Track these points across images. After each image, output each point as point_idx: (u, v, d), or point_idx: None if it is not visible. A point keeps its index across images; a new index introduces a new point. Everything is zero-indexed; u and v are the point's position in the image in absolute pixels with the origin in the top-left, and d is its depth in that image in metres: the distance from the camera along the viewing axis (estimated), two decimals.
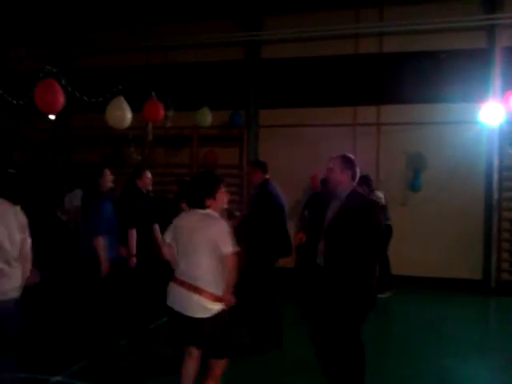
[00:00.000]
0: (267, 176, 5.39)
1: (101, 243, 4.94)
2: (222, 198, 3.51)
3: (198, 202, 3.43)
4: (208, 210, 3.42)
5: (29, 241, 3.53)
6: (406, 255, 8.28)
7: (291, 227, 8.18)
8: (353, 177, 3.69)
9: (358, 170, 3.73)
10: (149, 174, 5.67)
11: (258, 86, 9.41)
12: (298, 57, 9.14)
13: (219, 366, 3.47)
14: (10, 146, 10.25)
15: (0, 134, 10.35)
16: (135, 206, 5.43)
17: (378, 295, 7.22)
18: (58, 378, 4.43)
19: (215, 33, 9.00)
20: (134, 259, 5.26)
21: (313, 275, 3.96)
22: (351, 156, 3.79)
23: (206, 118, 8.74)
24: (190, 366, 3.57)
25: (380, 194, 7.67)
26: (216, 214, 3.45)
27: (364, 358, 3.65)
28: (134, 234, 5.26)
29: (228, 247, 3.30)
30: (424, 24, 8.11)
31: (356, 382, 3.63)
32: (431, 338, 5.81)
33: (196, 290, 3.29)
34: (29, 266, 3.53)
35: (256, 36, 9.11)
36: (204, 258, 3.32)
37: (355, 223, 3.48)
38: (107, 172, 5.32)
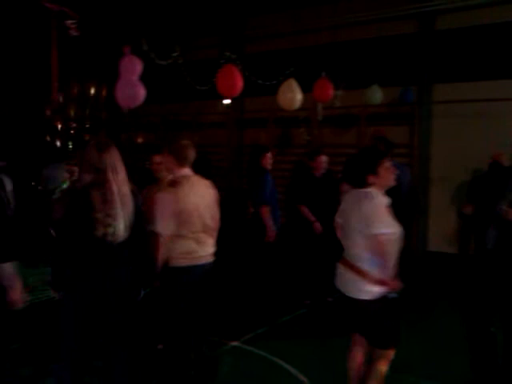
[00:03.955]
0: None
1: (266, 211, 5.56)
2: (387, 174, 3.24)
3: (359, 179, 3.25)
4: (370, 189, 3.22)
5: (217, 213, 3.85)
6: None
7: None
8: None
9: None
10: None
11: (432, 60, 8.81)
12: (479, 25, 8.29)
13: (383, 358, 3.26)
14: (191, 130, 11.20)
15: (182, 119, 11.39)
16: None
17: None
18: (236, 344, 4.75)
19: (386, 7, 8.64)
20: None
21: (480, 259, 3.73)
22: None
23: (376, 95, 8.49)
24: (356, 354, 3.44)
25: None
26: (378, 193, 3.22)
27: None
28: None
29: (373, 228, 3.05)
30: None
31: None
32: None
33: (355, 269, 3.19)
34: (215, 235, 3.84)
35: (430, 6, 8.51)
36: (359, 237, 3.16)
37: None
38: (268, 154, 5.86)
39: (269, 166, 5.79)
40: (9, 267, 3.04)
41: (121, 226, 2.84)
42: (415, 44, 8.90)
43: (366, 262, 3.15)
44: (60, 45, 5.21)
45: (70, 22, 4.89)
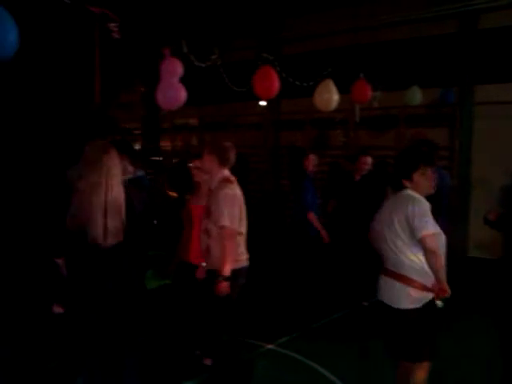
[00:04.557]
0: None
1: (313, 217, 5.69)
2: (423, 181, 3.08)
3: (396, 182, 3.14)
4: (408, 191, 3.09)
5: None
6: None
7: None
8: None
9: None
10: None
11: (474, 60, 8.56)
12: None
13: (420, 372, 3.11)
14: (228, 131, 11.24)
15: (219, 121, 11.45)
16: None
17: None
18: (271, 347, 4.73)
19: (426, 7, 8.46)
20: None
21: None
22: None
23: (416, 96, 8.30)
24: (404, 365, 3.28)
25: None
26: (417, 196, 3.07)
27: None
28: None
29: (421, 229, 2.92)
30: None
31: None
32: None
33: (398, 277, 3.04)
34: None
35: (474, 5, 8.27)
36: (402, 242, 3.02)
37: None
38: (312, 156, 5.92)
39: (312, 168, 5.79)
40: (61, 262, 3.28)
41: (99, 231, 2.79)
42: (456, 44, 8.68)
43: (409, 269, 3.03)
44: (102, 47, 5.31)
45: (112, 24, 4.99)
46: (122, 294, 2.93)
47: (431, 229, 2.93)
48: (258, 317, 5.41)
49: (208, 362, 4.10)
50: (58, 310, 3.09)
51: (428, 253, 2.94)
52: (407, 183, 3.09)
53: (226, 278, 3.45)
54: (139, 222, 2.96)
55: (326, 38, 9.66)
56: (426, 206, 3.02)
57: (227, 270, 3.45)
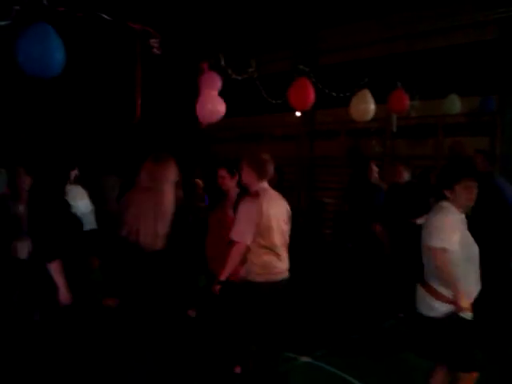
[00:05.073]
0: (491, 169, 4.90)
1: (378, 229, 5.51)
2: (464, 193, 3.07)
3: (438, 192, 3.18)
4: (444, 202, 3.12)
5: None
6: None
7: None
8: None
9: None
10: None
11: None
12: None
13: (459, 382, 3.09)
14: (262, 142, 11.29)
15: (252, 132, 11.52)
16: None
17: None
18: (307, 359, 4.70)
19: (462, 14, 8.32)
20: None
21: None
22: None
23: (454, 105, 8.15)
24: (438, 377, 3.29)
25: None
26: (451, 207, 3.09)
27: None
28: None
29: (430, 241, 2.99)
30: None
31: None
32: None
33: (424, 285, 3.14)
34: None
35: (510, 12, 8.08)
36: (427, 252, 3.11)
37: None
38: (373, 165, 5.80)
39: (375, 176, 5.69)
40: (55, 266, 3.24)
41: (149, 235, 2.86)
42: (496, 50, 8.49)
43: (434, 279, 3.08)
44: (143, 63, 5.45)
45: (153, 40, 5.11)
46: (167, 297, 3.00)
47: (435, 243, 2.98)
48: (294, 329, 5.37)
49: (238, 369, 4.12)
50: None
51: (433, 265, 3.02)
52: (448, 193, 3.10)
53: (220, 283, 3.50)
54: (185, 228, 3.04)
55: (361, 47, 9.61)
56: (449, 219, 3.05)
57: (223, 275, 3.49)
